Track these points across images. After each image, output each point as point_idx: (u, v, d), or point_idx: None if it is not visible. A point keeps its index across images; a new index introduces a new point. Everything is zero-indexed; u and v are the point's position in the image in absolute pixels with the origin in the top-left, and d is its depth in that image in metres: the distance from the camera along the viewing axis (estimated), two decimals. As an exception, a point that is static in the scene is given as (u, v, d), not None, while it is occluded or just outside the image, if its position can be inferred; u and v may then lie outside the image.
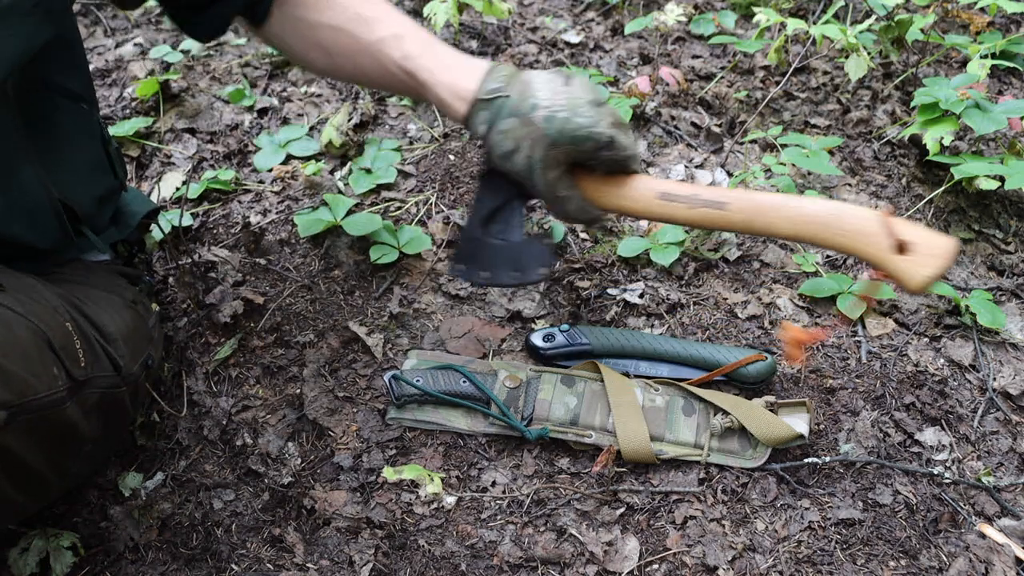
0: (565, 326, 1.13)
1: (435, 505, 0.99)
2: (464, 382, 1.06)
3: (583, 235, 1.34)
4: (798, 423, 1.02)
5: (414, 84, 0.96)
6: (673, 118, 1.57)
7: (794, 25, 1.48)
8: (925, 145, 1.33)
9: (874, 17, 1.52)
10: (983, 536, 0.96)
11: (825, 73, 1.69)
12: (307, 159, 1.45)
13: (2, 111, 0.81)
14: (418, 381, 1.05)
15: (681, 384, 1.07)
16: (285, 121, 1.55)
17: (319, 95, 1.62)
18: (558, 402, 1.03)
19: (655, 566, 0.94)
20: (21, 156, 0.85)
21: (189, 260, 1.24)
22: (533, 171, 0.91)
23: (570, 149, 0.90)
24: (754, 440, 1.02)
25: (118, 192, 1.09)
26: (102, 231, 1.06)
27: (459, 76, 0.93)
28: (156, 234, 1.27)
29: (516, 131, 0.90)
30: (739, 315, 1.21)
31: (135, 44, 1.78)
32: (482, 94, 0.91)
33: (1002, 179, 1.26)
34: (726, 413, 1.03)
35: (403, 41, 0.95)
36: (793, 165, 1.32)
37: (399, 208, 1.36)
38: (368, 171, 1.41)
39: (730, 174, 1.45)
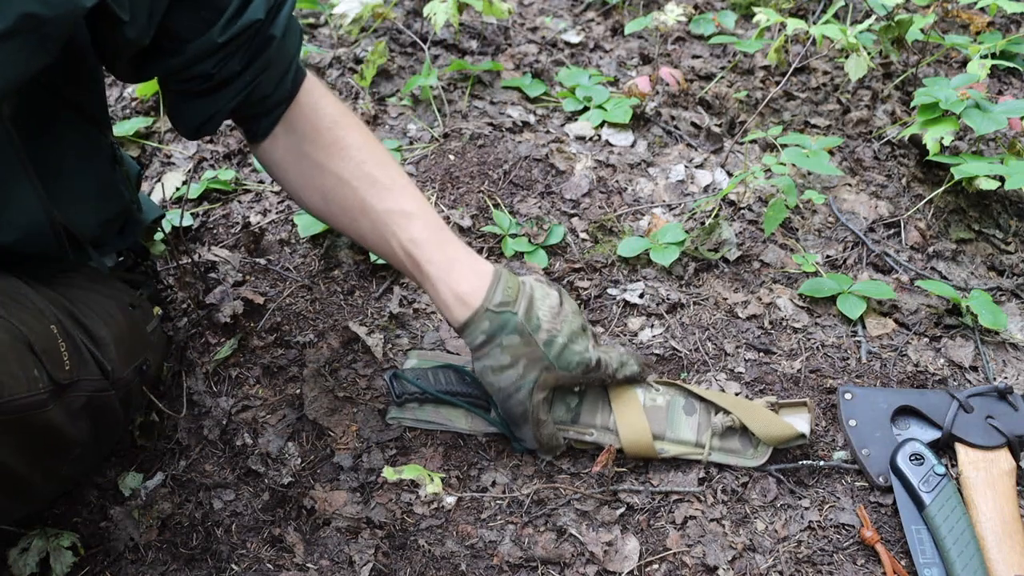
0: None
1: (435, 505, 0.99)
2: (466, 380, 1.05)
3: (583, 235, 1.34)
4: (799, 422, 1.02)
5: (414, 270, 0.95)
6: (673, 118, 1.57)
7: (794, 25, 1.48)
8: (925, 145, 1.33)
9: (874, 17, 1.52)
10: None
11: (825, 73, 1.69)
12: (307, 159, 1.45)
13: (3, 136, 0.80)
14: (418, 380, 1.04)
15: (682, 384, 1.07)
16: (285, 121, 1.55)
17: (319, 95, 1.62)
18: (559, 400, 1.03)
19: (655, 566, 0.94)
20: (18, 173, 0.82)
21: (189, 260, 1.24)
22: (520, 390, 0.94)
23: (561, 374, 0.95)
24: (755, 439, 1.02)
25: (126, 214, 1.05)
26: (106, 244, 1.04)
27: (464, 278, 0.93)
28: (160, 239, 1.27)
29: (517, 349, 0.93)
30: (739, 315, 1.21)
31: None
32: (491, 305, 0.92)
33: (1002, 179, 1.26)
34: (727, 412, 1.02)
35: (412, 222, 0.94)
36: (793, 165, 1.32)
37: (399, 208, 1.36)
38: (368, 171, 1.41)
39: (730, 174, 1.45)
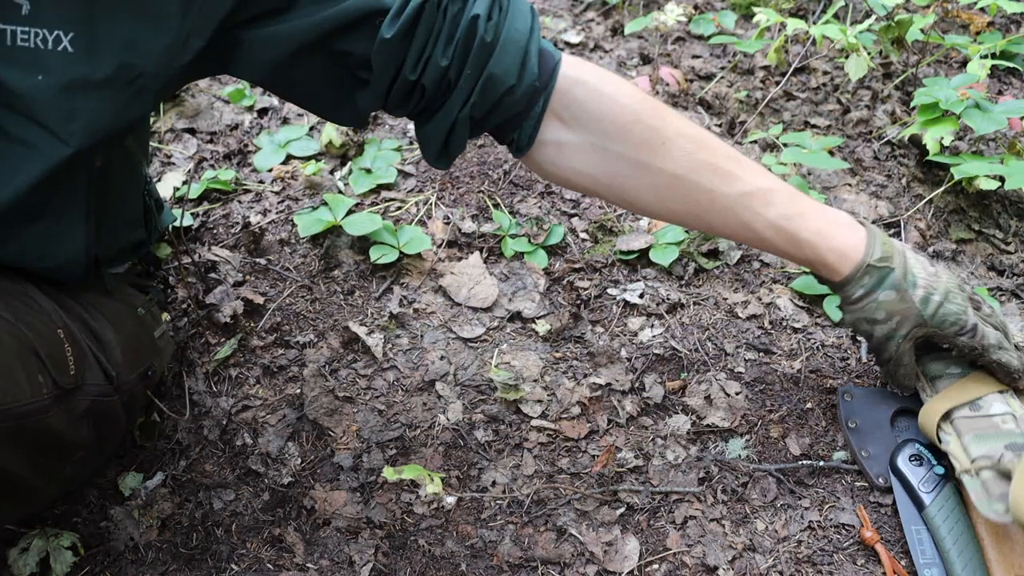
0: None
1: (435, 505, 0.99)
2: None
3: (583, 235, 1.34)
4: None
5: (786, 244, 0.91)
6: (673, 118, 1.57)
7: (794, 25, 1.48)
8: (925, 145, 1.33)
9: (874, 17, 1.52)
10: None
11: (825, 73, 1.69)
12: (307, 159, 1.45)
13: (83, 178, 0.79)
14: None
15: None
16: (285, 121, 1.55)
17: (319, 95, 1.62)
18: (934, 360, 1.01)
19: (655, 566, 0.94)
20: (80, 216, 0.82)
21: (189, 260, 1.24)
22: (891, 340, 0.95)
23: (933, 331, 0.94)
24: (1009, 500, 0.87)
25: (142, 244, 1.05)
26: (121, 260, 1.04)
27: (842, 235, 0.92)
28: (165, 242, 1.27)
29: (893, 304, 0.92)
30: (739, 315, 1.21)
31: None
32: (872, 260, 0.91)
33: (1002, 179, 1.26)
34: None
35: (772, 197, 0.88)
36: (794, 165, 1.32)
37: (399, 208, 1.36)
38: (368, 171, 1.41)
39: (730, 174, 1.45)
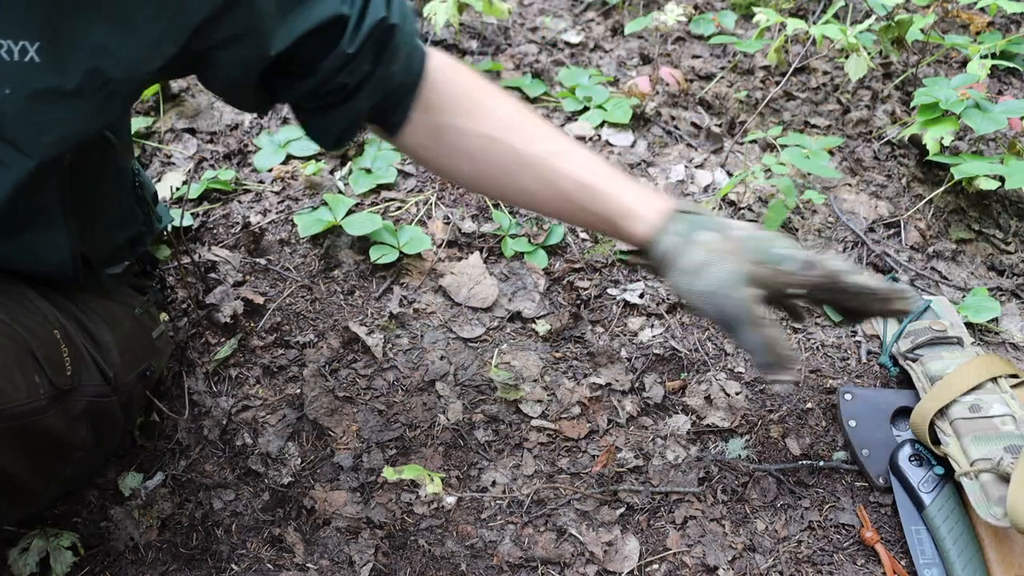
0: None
1: (435, 505, 0.99)
2: None
3: (583, 235, 1.34)
4: None
5: (588, 196, 0.85)
6: (673, 118, 1.57)
7: (794, 25, 1.48)
8: (925, 145, 1.33)
9: (874, 17, 1.52)
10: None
11: (825, 73, 1.69)
12: (307, 159, 1.45)
13: (56, 180, 0.79)
14: None
15: None
16: (285, 121, 1.55)
17: (319, 95, 1.62)
18: None
19: (655, 566, 0.94)
20: (59, 216, 0.82)
21: (189, 260, 1.24)
22: (725, 287, 0.77)
23: (775, 271, 0.79)
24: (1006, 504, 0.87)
25: (141, 237, 1.04)
26: (118, 259, 1.04)
27: (647, 190, 0.86)
28: (164, 243, 1.27)
29: (716, 243, 0.79)
30: (739, 315, 1.21)
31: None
32: (680, 208, 0.82)
33: (1002, 179, 1.26)
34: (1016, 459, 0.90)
35: (578, 150, 0.87)
36: (793, 165, 1.32)
37: (399, 208, 1.36)
38: (368, 171, 1.41)
39: (730, 174, 1.45)
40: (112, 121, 0.76)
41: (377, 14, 0.79)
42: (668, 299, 1.23)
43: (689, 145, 1.52)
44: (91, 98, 0.70)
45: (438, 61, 0.89)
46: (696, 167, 1.46)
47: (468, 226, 1.32)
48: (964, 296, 1.24)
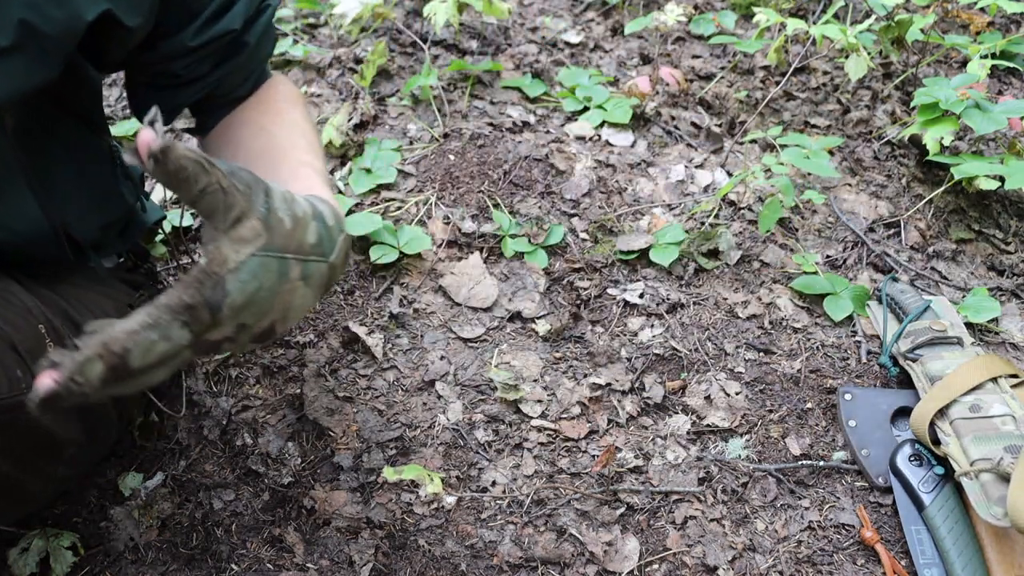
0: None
1: (435, 505, 0.99)
2: None
3: (583, 235, 1.34)
4: None
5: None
6: (673, 118, 1.57)
7: (794, 25, 1.48)
8: (925, 145, 1.33)
9: (874, 17, 1.52)
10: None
11: (825, 73, 1.69)
12: (307, 159, 1.45)
13: (3, 142, 0.79)
14: None
15: None
16: (285, 121, 1.55)
17: (319, 95, 1.62)
18: None
19: (655, 566, 0.94)
20: (17, 180, 0.82)
21: (189, 260, 1.23)
22: None
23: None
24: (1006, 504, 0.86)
25: (128, 217, 1.04)
26: (107, 247, 1.04)
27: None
28: (160, 240, 1.27)
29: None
30: (739, 315, 1.21)
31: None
32: None
33: (1002, 179, 1.26)
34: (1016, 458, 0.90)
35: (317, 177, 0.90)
36: (793, 165, 1.33)
37: (399, 208, 1.36)
38: (368, 171, 1.41)
39: (730, 174, 1.45)
40: (54, 78, 0.76)
41: (231, 25, 0.83)
42: (668, 299, 1.23)
43: (689, 145, 1.52)
44: (25, 53, 0.70)
45: (276, 84, 0.96)
46: (696, 167, 1.46)
47: (468, 226, 1.32)
48: (964, 296, 1.24)
